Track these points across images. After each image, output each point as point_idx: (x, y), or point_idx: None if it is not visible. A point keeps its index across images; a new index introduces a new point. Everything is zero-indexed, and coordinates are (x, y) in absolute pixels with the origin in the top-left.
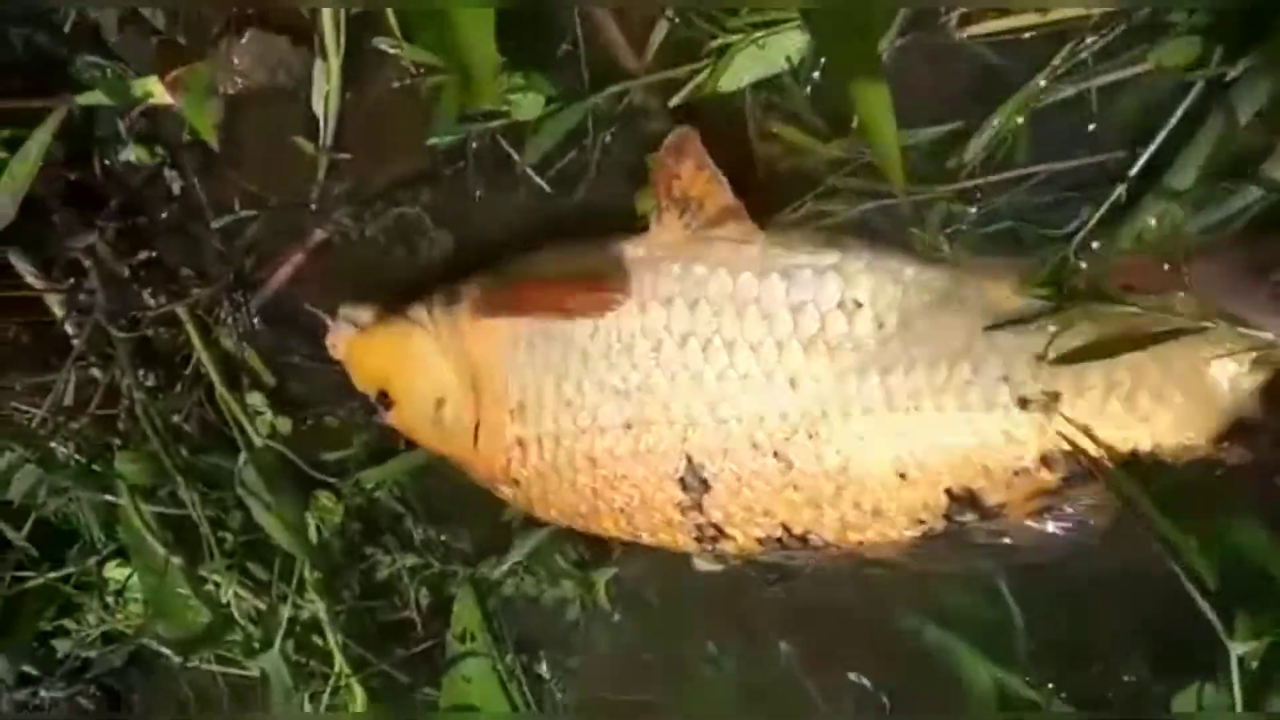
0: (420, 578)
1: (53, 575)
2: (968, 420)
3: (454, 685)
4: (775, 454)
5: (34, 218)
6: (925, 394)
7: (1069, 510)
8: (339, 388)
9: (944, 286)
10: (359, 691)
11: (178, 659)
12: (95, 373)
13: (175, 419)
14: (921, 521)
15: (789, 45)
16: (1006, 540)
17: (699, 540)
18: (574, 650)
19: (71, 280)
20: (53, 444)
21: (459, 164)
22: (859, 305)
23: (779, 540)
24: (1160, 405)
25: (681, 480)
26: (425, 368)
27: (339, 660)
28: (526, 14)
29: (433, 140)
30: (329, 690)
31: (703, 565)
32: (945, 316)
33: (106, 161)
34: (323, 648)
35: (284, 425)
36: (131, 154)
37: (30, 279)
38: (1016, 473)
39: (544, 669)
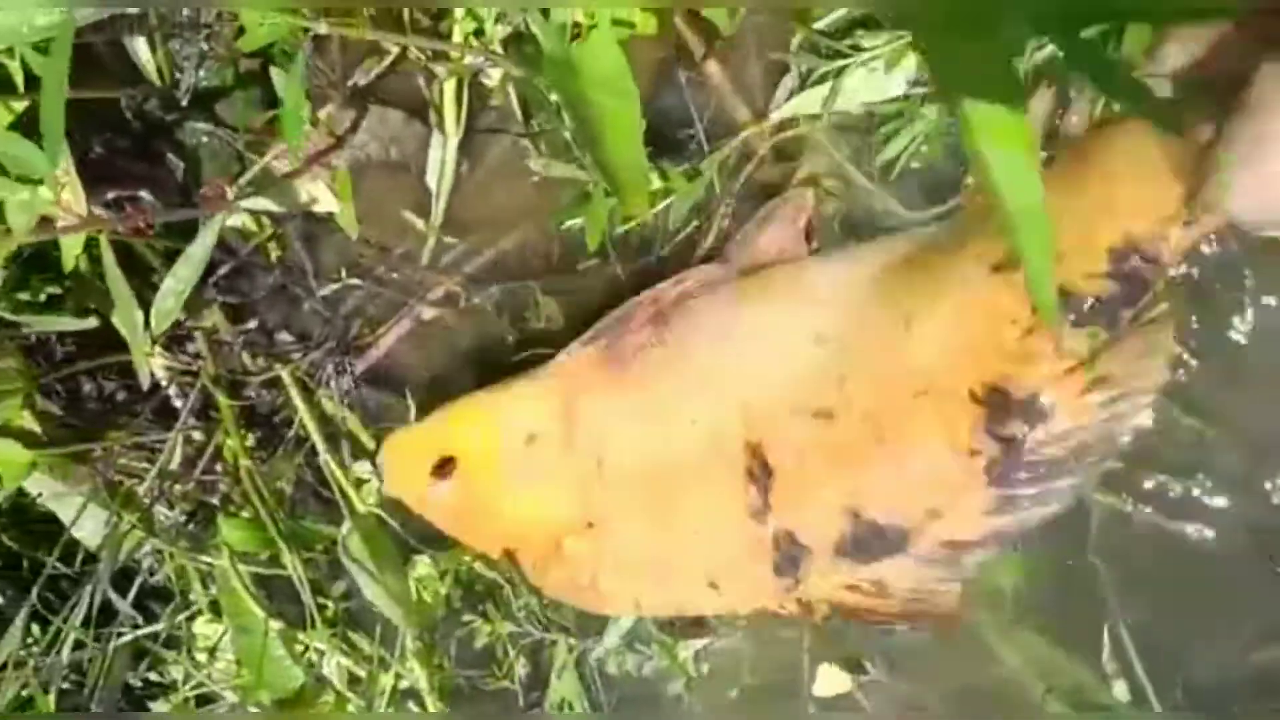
0: (519, 647)
1: (143, 631)
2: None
3: None
4: (814, 412)
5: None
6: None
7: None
8: None
9: None
10: None
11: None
12: (195, 435)
13: (279, 484)
14: (976, 452)
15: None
16: (1075, 441)
17: (778, 572)
18: None
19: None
20: (156, 507)
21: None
22: None
23: (854, 539)
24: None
25: (748, 471)
26: (510, 412)
27: None
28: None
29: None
30: None
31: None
32: None
33: None
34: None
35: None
36: (239, 220)
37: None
38: (1028, 330)
39: None
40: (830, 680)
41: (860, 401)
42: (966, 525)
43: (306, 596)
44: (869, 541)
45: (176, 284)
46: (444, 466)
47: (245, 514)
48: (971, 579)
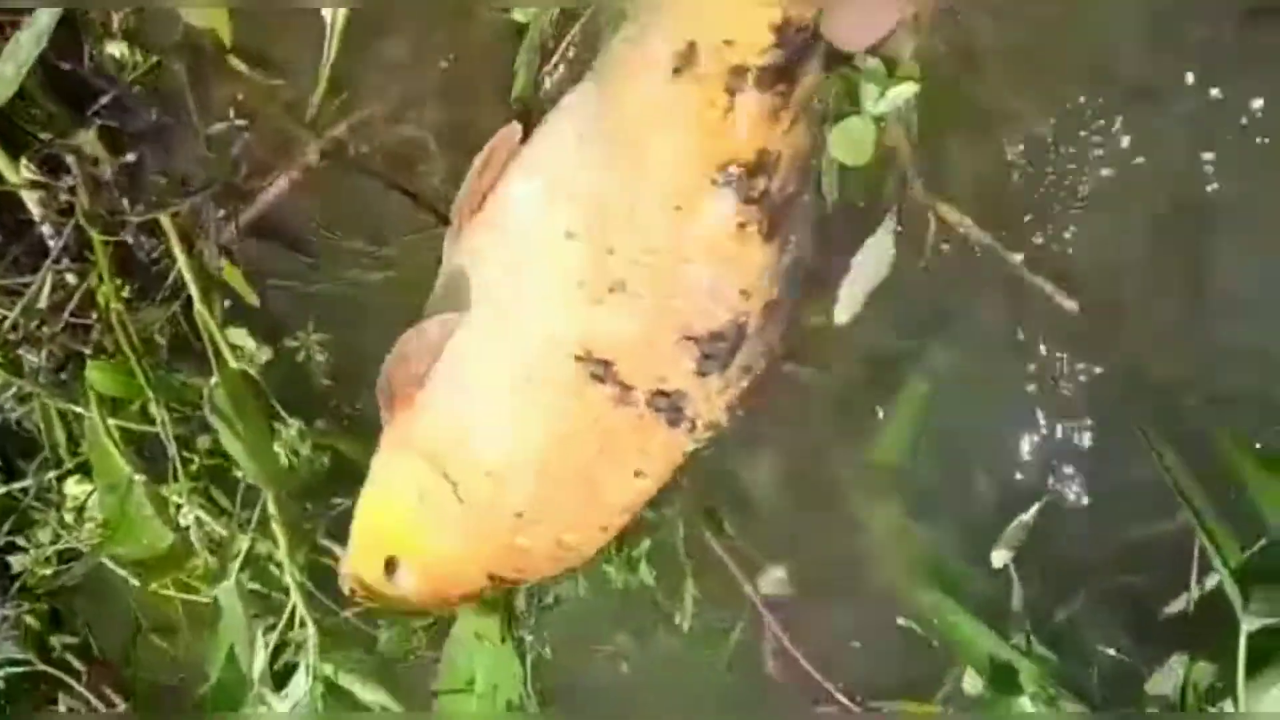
0: None
1: (12, 486)
2: None
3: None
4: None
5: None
6: None
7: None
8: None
9: None
10: (312, 633)
11: (135, 581)
12: (70, 278)
13: (152, 334)
14: (743, 224)
15: None
16: (799, 166)
17: (674, 425)
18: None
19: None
20: (21, 350)
21: None
22: None
23: (704, 357)
24: None
25: (592, 376)
26: (388, 496)
27: (296, 599)
28: None
29: None
30: (280, 628)
31: None
32: None
33: (94, 55)
34: (281, 585)
35: (263, 353)
36: (118, 50)
37: (7, 174)
38: (727, 108)
39: None
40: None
41: (639, 256)
42: (769, 284)
43: (172, 448)
44: (717, 350)
45: (18, 50)
46: (390, 565)
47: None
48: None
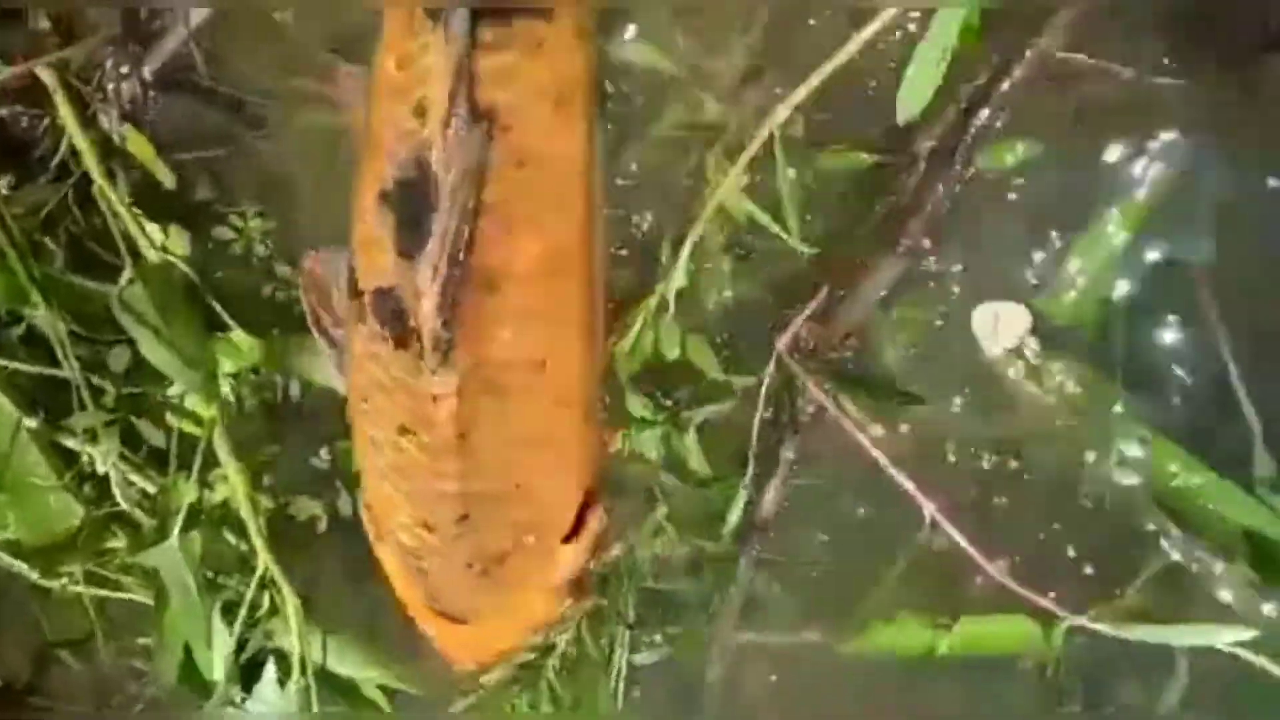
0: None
1: None
2: None
3: None
4: None
5: None
6: None
7: None
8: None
9: None
10: (290, 600)
11: (34, 575)
12: None
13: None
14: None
15: None
16: None
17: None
18: None
19: None
20: None
21: None
22: None
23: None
24: None
25: None
26: None
27: (264, 558)
28: None
29: None
30: (248, 602)
31: None
32: None
33: None
34: (235, 547)
35: (179, 243)
36: None
37: None
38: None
39: None
40: None
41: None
42: None
43: (75, 373)
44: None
45: None
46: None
47: None
48: None
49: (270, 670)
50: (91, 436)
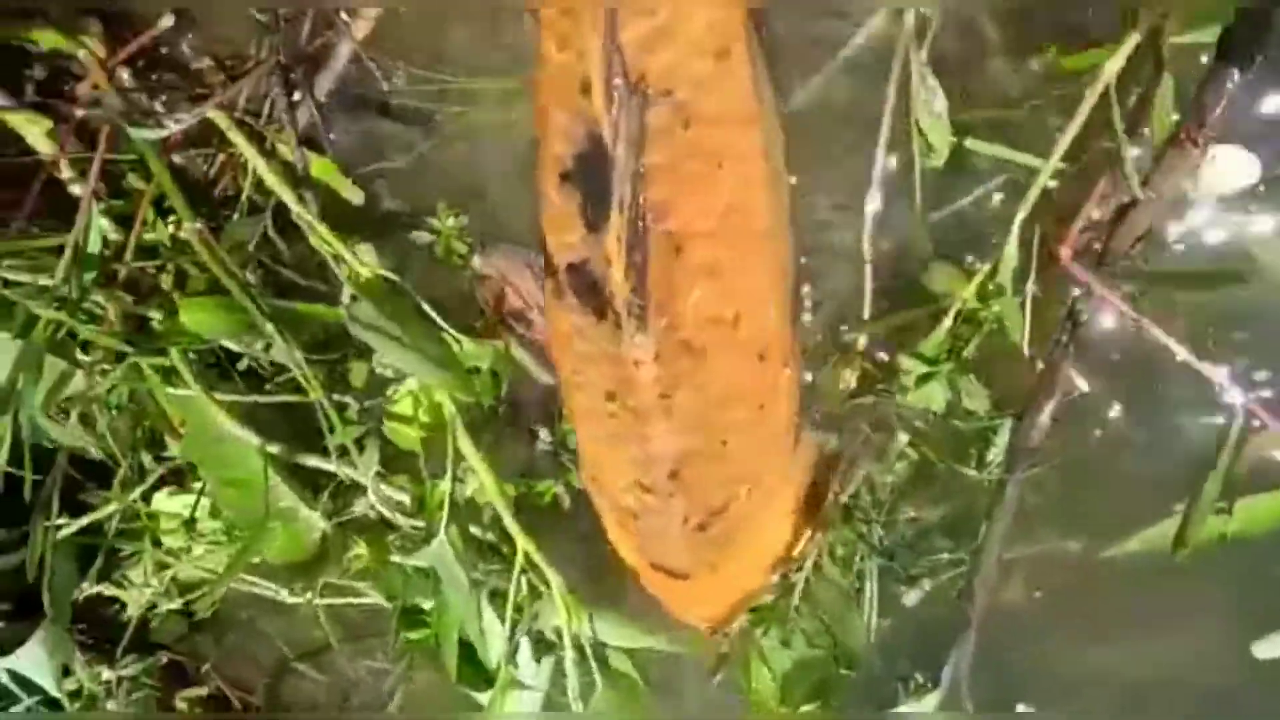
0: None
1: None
2: None
3: None
4: None
5: None
6: None
7: None
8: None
9: None
10: (554, 581)
11: (286, 593)
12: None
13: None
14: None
15: None
16: None
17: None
18: None
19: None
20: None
21: None
22: None
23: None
24: None
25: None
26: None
27: (522, 543)
28: None
29: None
30: (514, 592)
31: None
32: None
33: None
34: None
35: (369, 257)
36: None
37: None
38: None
39: None
40: None
41: None
42: None
43: (319, 394)
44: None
45: None
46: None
47: None
48: None
49: (526, 650)
50: (341, 452)
